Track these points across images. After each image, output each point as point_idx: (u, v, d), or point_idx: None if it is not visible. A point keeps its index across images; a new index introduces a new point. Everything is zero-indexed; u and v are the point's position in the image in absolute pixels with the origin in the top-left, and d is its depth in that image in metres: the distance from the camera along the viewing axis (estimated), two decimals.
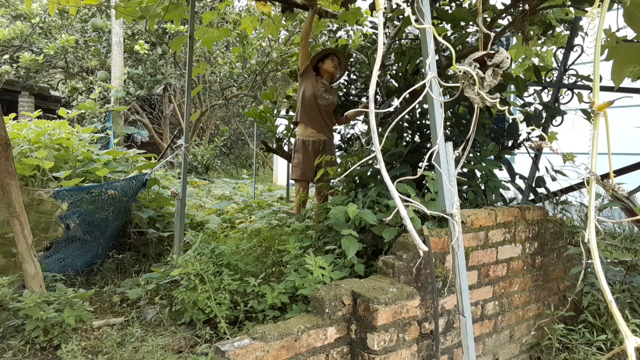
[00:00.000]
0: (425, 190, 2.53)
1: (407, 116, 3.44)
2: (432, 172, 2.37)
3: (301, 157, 4.12)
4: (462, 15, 3.07)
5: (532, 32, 4.08)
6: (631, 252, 4.65)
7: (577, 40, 3.88)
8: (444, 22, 3.62)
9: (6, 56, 10.51)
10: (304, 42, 4.18)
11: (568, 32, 4.04)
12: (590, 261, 0.87)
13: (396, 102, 3.27)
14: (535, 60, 4.78)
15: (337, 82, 4.52)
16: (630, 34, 2.68)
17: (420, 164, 3.26)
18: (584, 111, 3.32)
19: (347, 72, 4.68)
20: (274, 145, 4.75)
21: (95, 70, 11.18)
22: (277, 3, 4.55)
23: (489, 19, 3.31)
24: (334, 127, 4.39)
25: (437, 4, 3.74)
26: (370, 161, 3.00)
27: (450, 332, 2.25)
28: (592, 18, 0.91)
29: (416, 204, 1.12)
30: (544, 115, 3.43)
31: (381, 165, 0.95)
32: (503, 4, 3.29)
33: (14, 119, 4.74)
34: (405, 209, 0.94)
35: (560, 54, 3.99)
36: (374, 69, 0.96)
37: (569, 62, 3.85)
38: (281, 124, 5.05)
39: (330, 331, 1.91)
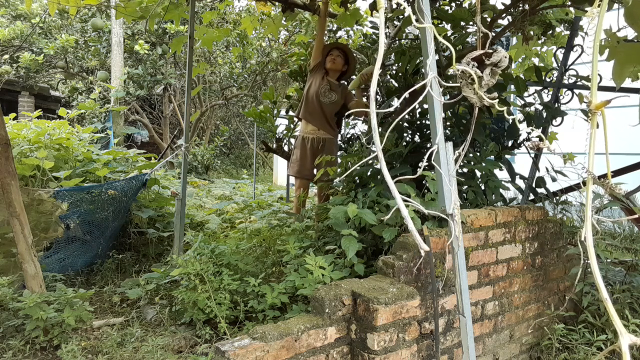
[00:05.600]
0: (425, 190, 2.52)
1: (407, 116, 3.44)
2: (432, 172, 2.37)
3: (299, 154, 4.10)
4: (462, 15, 3.08)
5: (532, 32, 4.09)
6: (631, 252, 4.65)
7: (577, 40, 3.88)
8: (444, 22, 3.62)
9: (6, 56, 10.51)
10: (318, 37, 4.14)
11: (568, 32, 4.04)
12: (589, 261, 0.87)
13: (396, 102, 3.27)
14: (535, 60, 4.78)
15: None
16: (630, 33, 2.68)
17: (420, 164, 3.26)
18: (584, 111, 3.32)
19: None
20: (274, 145, 4.75)
21: (95, 70, 11.18)
22: (277, 3, 4.55)
23: (489, 19, 3.31)
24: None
25: (437, 4, 3.74)
26: (370, 161, 3.00)
27: (450, 332, 2.24)
28: (592, 18, 0.91)
29: (416, 204, 1.12)
30: (544, 115, 3.44)
31: (382, 165, 0.95)
32: (503, 4, 3.29)
33: (14, 119, 4.74)
34: (406, 209, 0.94)
35: (560, 54, 3.98)
36: (375, 70, 0.96)
37: (569, 62, 3.84)
38: (281, 123, 5.04)
39: (330, 331, 1.91)
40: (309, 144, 4.06)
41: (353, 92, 4.23)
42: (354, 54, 4.32)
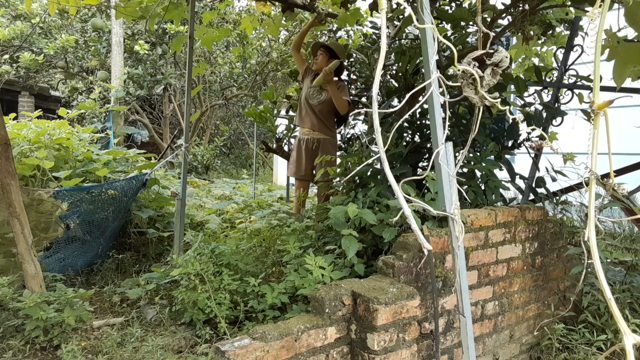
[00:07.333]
0: (426, 190, 2.52)
1: (406, 116, 3.43)
2: (432, 172, 2.37)
3: (295, 156, 4.21)
4: (462, 15, 3.08)
5: (532, 32, 4.09)
6: (631, 252, 4.65)
7: (577, 40, 3.88)
8: (444, 22, 3.62)
9: (6, 56, 10.50)
10: (294, 51, 4.28)
11: (568, 32, 4.04)
12: (591, 261, 0.87)
13: (396, 103, 3.27)
14: (535, 60, 4.78)
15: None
16: (630, 33, 2.68)
17: (420, 164, 3.27)
18: (584, 111, 3.32)
19: (347, 72, 4.67)
20: (274, 145, 4.76)
21: (95, 70, 11.18)
22: (277, 3, 4.55)
23: (489, 19, 3.31)
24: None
25: (437, 4, 3.74)
26: (371, 161, 3.00)
27: (450, 332, 2.24)
28: (593, 18, 0.91)
29: (421, 204, 1.12)
30: (544, 115, 3.44)
31: (385, 166, 0.95)
32: (503, 4, 3.29)
33: (14, 119, 4.73)
34: (409, 209, 0.94)
35: (560, 54, 3.99)
36: (377, 70, 0.96)
37: (569, 62, 3.85)
38: (281, 124, 5.05)
39: (330, 331, 1.91)
40: (304, 145, 4.14)
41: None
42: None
